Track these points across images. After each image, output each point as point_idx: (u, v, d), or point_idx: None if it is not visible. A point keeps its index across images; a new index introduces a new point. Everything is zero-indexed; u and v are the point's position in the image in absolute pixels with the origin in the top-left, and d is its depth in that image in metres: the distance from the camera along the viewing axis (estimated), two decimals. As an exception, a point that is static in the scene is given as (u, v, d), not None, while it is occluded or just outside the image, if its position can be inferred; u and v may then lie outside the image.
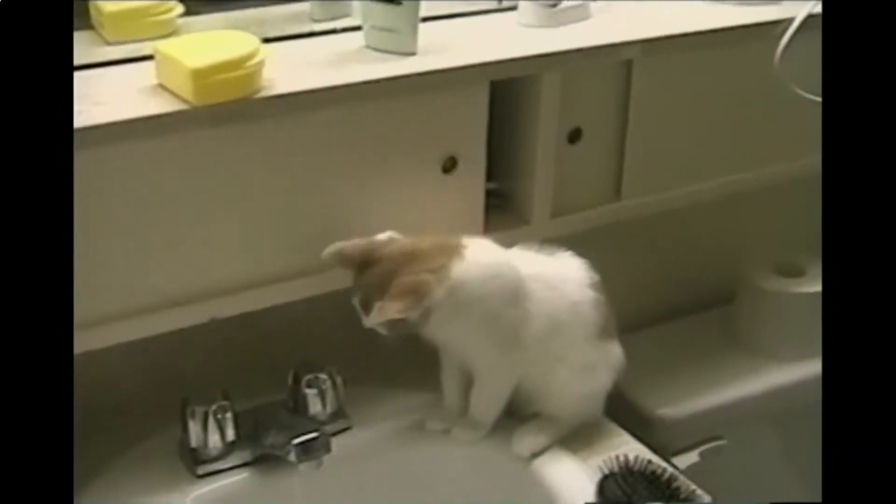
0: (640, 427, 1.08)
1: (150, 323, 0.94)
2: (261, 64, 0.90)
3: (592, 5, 1.12)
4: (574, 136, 1.10)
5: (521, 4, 1.09)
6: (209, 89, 0.87)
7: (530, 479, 0.98)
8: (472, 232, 1.04)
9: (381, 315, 0.90)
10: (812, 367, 1.25)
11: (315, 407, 1.01)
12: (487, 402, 1.01)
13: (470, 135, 1.03)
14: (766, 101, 1.16)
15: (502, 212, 1.10)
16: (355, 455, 1.00)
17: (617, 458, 0.95)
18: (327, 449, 0.93)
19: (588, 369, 1.00)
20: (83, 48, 0.97)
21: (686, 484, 0.94)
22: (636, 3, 1.18)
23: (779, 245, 1.34)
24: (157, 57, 0.91)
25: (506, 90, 1.04)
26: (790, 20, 1.10)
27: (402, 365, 1.02)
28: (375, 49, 1.01)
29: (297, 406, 1.01)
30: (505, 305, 0.95)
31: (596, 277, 1.00)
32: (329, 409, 1.01)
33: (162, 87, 0.91)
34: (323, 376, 1.01)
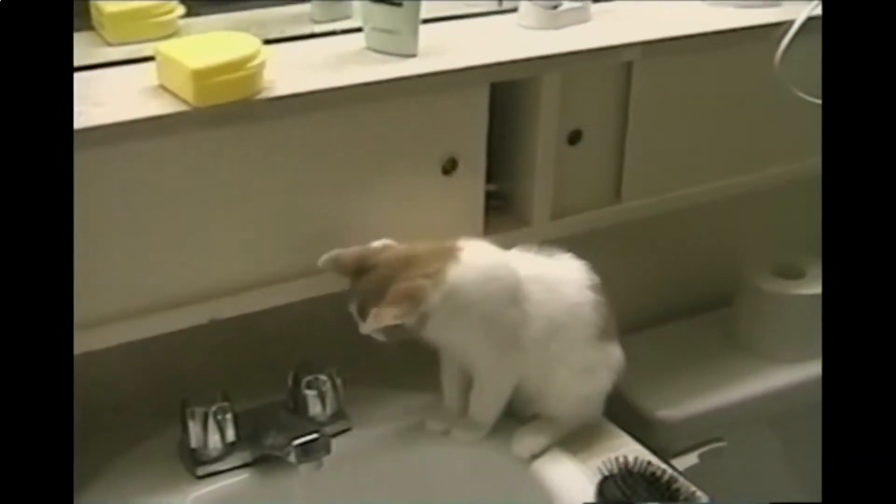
0: (640, 428, 1.08)
1: (150, 324, 0.94)
2: (262, 65, 0.90)
3: (593, 7, 1.13)
4: (574, 138, 1.10)
5: (522, 6, 1.09)
6: (210, 90, 0.87)
7: (530, 480, 0.98)
8: (472, 233, 1.05)
9: (378, 321, 0.90)
10: (812, 369, 1.25)
11: (315, 408, 1.01)
12: (487, 402, 1.01)
13: (470, 136, 1.03)
14: (767, 103, 1.16)
15: (502, 213, 1.11)
16: (355, 456, 1.00)
17: (616, 459, 0.95)
18: (327, 450, 0.93)
19: (588, 371, 1.00)
20: (84, 49, 0.97)
21: (686, 485, 0.94)
22: (636, 4, 1.18)
23: (778, 247, 1.34)
24: (158, 58, 0.91)
25: (506, 92, 1.04)
26: (790, 22, 1.10)
27: (402, 366, 1.02)
28: (376, 51, 1.01)
29: (297, 407, 1.01)
30: (503, 307, 0.95)
31: (596, 279, 1.00)
32: (329, 410, 1.01)
33: (163, 88, 0.91)
34: (323, 377, 1.01)
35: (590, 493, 0.93)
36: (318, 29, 1.06)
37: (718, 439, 1.24)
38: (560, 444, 1.00)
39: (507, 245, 1.01)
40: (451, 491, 1.01)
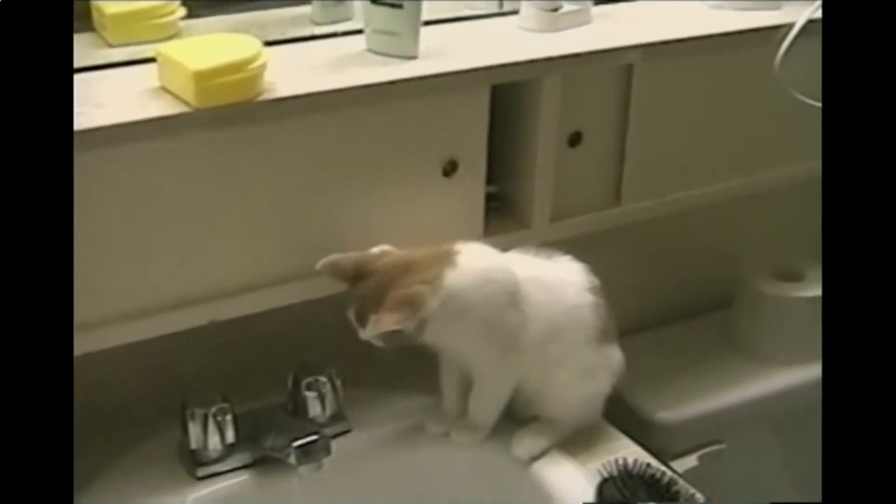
0: (639, 431, 1.08)
1: (151, 325, 0.94)
2: (263, 67, 0.90)
3: (593, 10, 1.13)
4: (574, 140, 1.10)
5: (523, 9, 1.10)
6: (211, 92, 0.87)
7: (529, 482, 0.98)
8: (472, 235, 1.05)
9: (377, 328, 0.90)
10: (811, 371, 1.25)
11: (315, 409, 1.01)
12: (486, 404, 1.01)
13: (471, 138, 1.04)
14: (767, 105, 1.16)
15: (502, 215, 1.11)
16: (355, 457, 1.00)
17: (616, 461, 0.95)
18: (327, 451, 0.93)
19: (587, 373, 1.00)
20: (85, 50, 0.97)
21: (685, 487, 0.94)
22: (637, 7, 1.18)
23: (778, 249, 1.34)
24: (160, 59, 0.91)
25: (506, 94, 1.05)
26: (790, 25, 1.11)
27: (402, 368, 1.02)
28: (377, 52, 1.01)
29: (297, 408, 1.01)
30: (501, 309, 0.95)
31: (595, 281, 1.00)
32: (329, 411, 1.01)
33: (164, 89, 0.91)
34: (322, 379, 1.01)
35: (589, 494, 0.93)
36: (318, 31, 1.06)
37: (718, 441, 1.24)
38: (559, 446, 1.00)
39: (506, 247, 1.01)
40: (451, 493, 1.01)
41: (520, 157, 1.09)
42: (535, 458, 0.99)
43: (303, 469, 0.93)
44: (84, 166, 0.80)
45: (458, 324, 0.93)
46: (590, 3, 1.12)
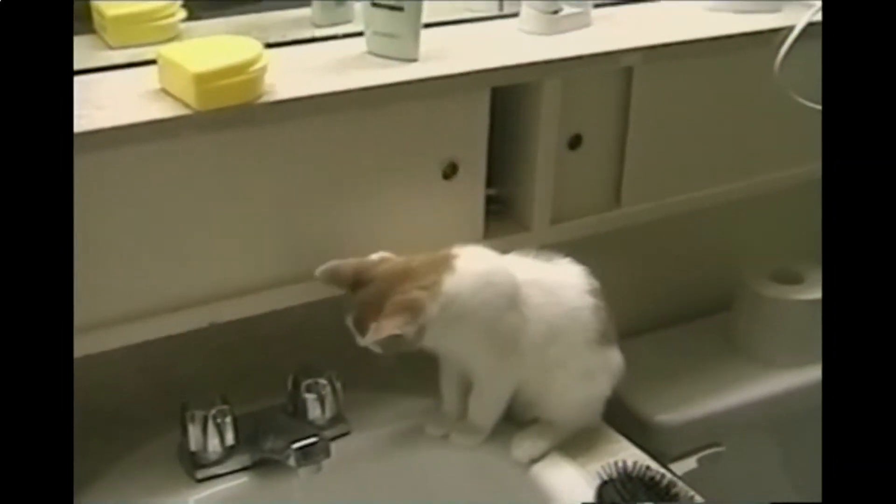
0: (638, 433, 1.08)
1: (150, 327, 0.94)
2: (263, 69, 0.91)
3: (593, 12, 1.13)
4: (574, 143, 1.10)
5: (523, 11, 1.10)
6: (212, 94, 0.87)
7: (529, 485, 0.98)
8: (472, 238, 1.05)
9: (378, 333, 0.90)
10: (810, 374, 1.25)
11: (314, 411, 1.01)
12: (486, 407, 1.01)
13: (471, 141, 1.04)
14: (766, 108, 1.17)
15: (502, 218, 1.11)
16: (354, 459, 1.00)
17: (616, 463, 0.95)
18: (327, 453, 0.93)
19: (587, 375, 1.00)
20: (85, 52, 0.97)
21: (685, 490, 0.94)
22: (637, 10, 1.18)
23: (777, 252, 1.34)
24: (160, 61, 0.92)
25: (507, 96, 1.05)
26: (790, 28, 1.11)
27: (401, 370, 1.02)
28: (377, 55, 1.01)
29: (297, 410, 1.01)
30: (501, 312, 0.95)
31: (595, 283, 1.00)
32: (328, 413, 1.01)
33: (164, 91, 0.91)
34: (322, 381, 1.01)
35: (589, 497, 0.93)
36: (319, 33, 1.06)
37: (717, 444, 1.24)
38: (559, 449, 1.00)
39: (506, 250, 1.01)
40: (450, 495, 1.01)
41: (520, 160, 1.09)
42: (534, 461, 0.99)
43: (302, 471, 0.93)
44: (84, 168, 0.80)
45: (457, 328, 0.93)
46: (590, 6, 1.12)
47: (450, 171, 1.03)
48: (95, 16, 1.01)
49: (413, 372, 1.02)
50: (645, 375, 1.17)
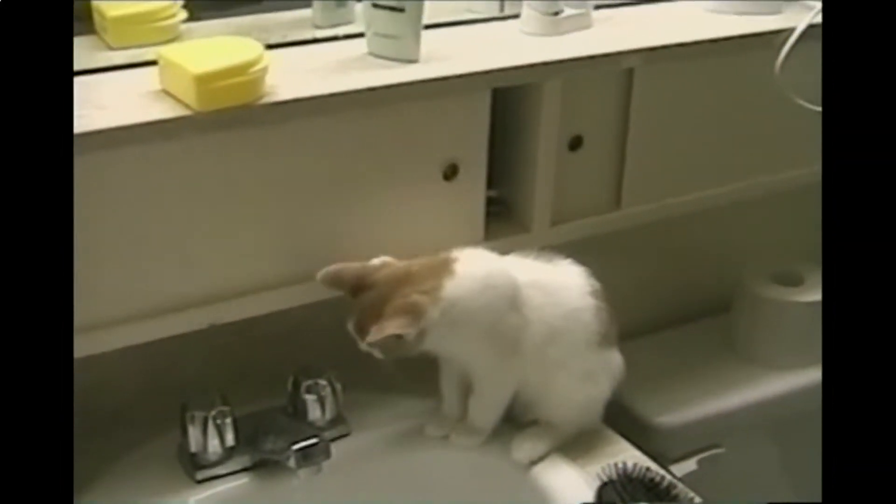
0: (638, 435, 1.08)
1: (151, 328, 0.94)
2: (264, 70, 0.91)
3: (594, 14, 1.13)
4: (575, 144, 1.10)
5: (524, 13, 1.10)
6: (212, 95, 0.87)
7: (529, 486, 0.98)
8: (472, 239, 1.05)
9: (378, 333, 0.90)
10: (810, 376, 1.25)
11: (314, 413, 1.01)
12: (486, 408, 1.01)
13: (471, 142, 1.04)
14: (767, 110, 1.16)
15: (502, 219, 1.11)
16: (354, 461, 1.00)
17: (616, 465, 0.95)
18: (327, 455, 0.93)
19: (588, 377, 1.00)
20: (86, 53, 0.97)
21: (685, 491, 0.94)
22: (638, 11, 1.18)
23: (777, 253, 1.34)
24: (161, 62, 0.92)
25: (507, 98, 1.05)
26: (791, 30, 1.11)
27: (401, 371, 1.02)
28: (378, 56, 1.01)
29: (297, 412, 1.01)
30: (502, 314, 0.96)
31: (596, 284, 1.00)
32: (328, 414, 1.01)
33: (165, 92, 0.91)
34: (322, 382, 1.01)
35: (589, 498, 0.93)
36: (319, 34, 1.06)
37: (716, 446, 1.24)
38: (559, 450, 1.00)
39: (506, 251, 1.01)
40: (450, 496, 1.01)
41: (520, 161, 1.09)
42: (534, 462, 0.99)
43: (302, 472, 0.93)
44: (85, 169, 0.80)
45: (458, 331, 0.94)
46: (591, 8, 1.13)
47: (450, 173, 1.03)
48: (96, 16, 1.01)
49: (413, 373, 1.02)
50: (645, 377, 1.17)
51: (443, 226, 1.05)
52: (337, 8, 1.08)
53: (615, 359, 1.02)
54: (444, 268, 0.94)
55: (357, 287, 0.94)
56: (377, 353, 0.93)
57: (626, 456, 0.99)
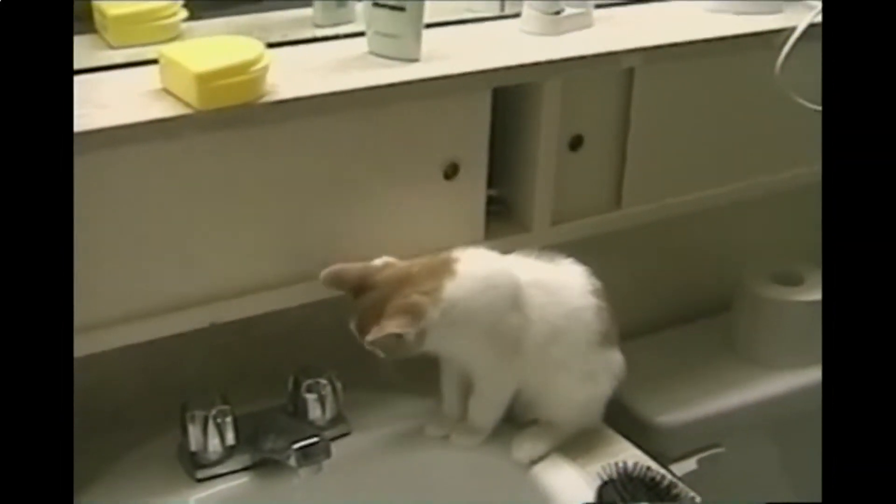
0: (638, 434, 1.08)
1: (151, 327, 0.94)
2: (265, 69, 0.91)
3: (595, 13, 1.13)
4: (575, 144, 1.10)
5: (524, 12, 1.10)
6: (213, 94, 0.87)
7: (529, 486, 0.98)
8: (473, 238, 1.05)
9: (378, 332, 0.90)
10: (809, 376, 1.25)
11: (315, 412, 1.01)
12: (486, 407, 1.01)
13: (472, 141, 1.04)
14: (767, 110, 1.16)
15: (503, 219, 1.11)
16: (355, 460, 1.00)
17: (616, 464, 0.95)
18: (327, 454, 0.93)
19: (589, 376, 1.00)
20: (87, 52, 0.97)
21: (685, 491, 0.94)
22: (638, 11, 1.18)
23: (777, 253, 1.34)
24: (162, 61, 0.92)
25: (508, 97, 1.05)
26: (791, 29, 1.11)
27: (402, 370, 1.02)
28: (379, 55, 1.01)
29: (297, 411, 1.01)
30: (503, 314, 0.96)
31: (597, 284, 1.00)
32: (328, 414, 1.01)
33: (166, 91, 0.91)
34: (323, 381, 1.01)
35: (589, 497, 0.93)
36: (320, 33, 1.06)
37: (717, 445, 1.24)
38: (559, 450, 1.00)
39: (506, 251, 1.01)
40: (451, 495, 1.01)
41: (521, 161, 1.09)
42: (535, 462, 0.99)
43: (303, 471, 0.93)
44: (85, 167, 0.80)
45: (459, 332, 0.94)
46: (591, 7, 1.12)
47: (451, 172, 1.03)
48: (97, 15, 1.01)
49: (413, 373, 1.02)
50: (645, 376, 1.17)
51: (443, 225, 1.05)
52: (337, 7, 1.08)
53: (616, 358, 1.02)
54: (445, 268, 0.94)
55: (359, 287, 0.94)
56: (380, 353, 0.93)
57: (627, 455, 0.99)
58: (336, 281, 0.95)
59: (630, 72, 1.09)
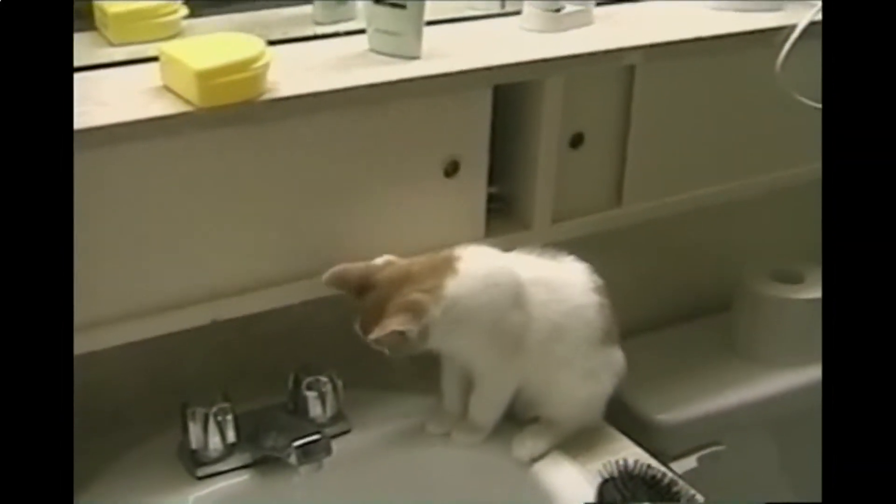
0: (639, 432, 1.08)
1: (152, 325, 0.94)
2: (266, 67, 0.90)
3: (595, 11, 1.13)
4: (576, 141, 1.10)
5: (525, 9, 1.10)
6: (214, 91, 0.87)
7: (530, 483, 0.98)
8: (473, 236, 1.05)
9: (381, 331, 0.90)
10: (809, 374, 1.25)
11: (315, 409, 1.01)
12: (487, 405, 1.01)
13: (473, 139, 1.04)
14: (768, 107, 1.16)
15: (503, 216, 1.11)
16: (355, 458, 1.00)
17: (616, 462, 0.95)
18: (328, 451, 0.94)
19: (591, 374, 1.00)
20: (87, 49, 0.97)
21: (686, 488, 0.94)
22: (639, 8, 1.18)
23: (777, 252, 1.34)
24: (162, 59, 0.91)
25: (508, 94, 1.05)
26: (792, 27, 1.11)
27: (402, 368, 1.02)
28: (379, 52, 1.01)
29: (298, 408, 1.01)
30: (505, 311, 0.96)
31: (599, 281, 1.00)
32: (329, 411, 1.01)
33: (166, 88, 0.91)
34: (323, 379, 1.01)
35: (590, 495, 0.93)
36: (321, 30, 1.06)
37: (717, 443, 1.24)
38: (560, 447, 1.00)
39: (507, 249, 1.01)
40: (451, 493, 1.01)
41: (521, 158, 1.09)
42: (535, 459, 0.99)
43: (303, 469, 0.93)
44: (86, 165, 0.80)
45: (461, 329, 0.94)
46: (592, 4, 1.12)
47: (451, 169, 1.03)
48: (97, 13, 1.01)
49: (414, 370, 1.02)
50: (645, 374, 1.17)
51: (443, 223, 1.04)
52: (338, 4, 1.08)
53: (617, 356, 1.02)
54: (447, 266, 0.94)
55: (361, 287, 0.94)
56: (385, 351, 0.93)
57: (627, 453, 0.99)
58: (338, 282, 0.95)
59: (631, 69, 1.09)
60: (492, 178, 1.07)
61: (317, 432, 0.94)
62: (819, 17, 1.09)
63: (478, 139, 1.04)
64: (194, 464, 0.96)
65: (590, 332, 0.99)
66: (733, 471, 1.25)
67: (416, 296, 0.92)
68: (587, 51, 1.04)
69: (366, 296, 0.94)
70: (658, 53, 1.08)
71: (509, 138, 1.08)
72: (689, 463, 1.21)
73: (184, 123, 0.88)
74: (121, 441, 1.00)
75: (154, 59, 0.93)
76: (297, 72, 0.96)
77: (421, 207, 1.03)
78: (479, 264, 0.96)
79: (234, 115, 0.89)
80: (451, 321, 0.92)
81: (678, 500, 0.92)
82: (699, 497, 0.94)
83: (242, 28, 1.00)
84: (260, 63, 0.90)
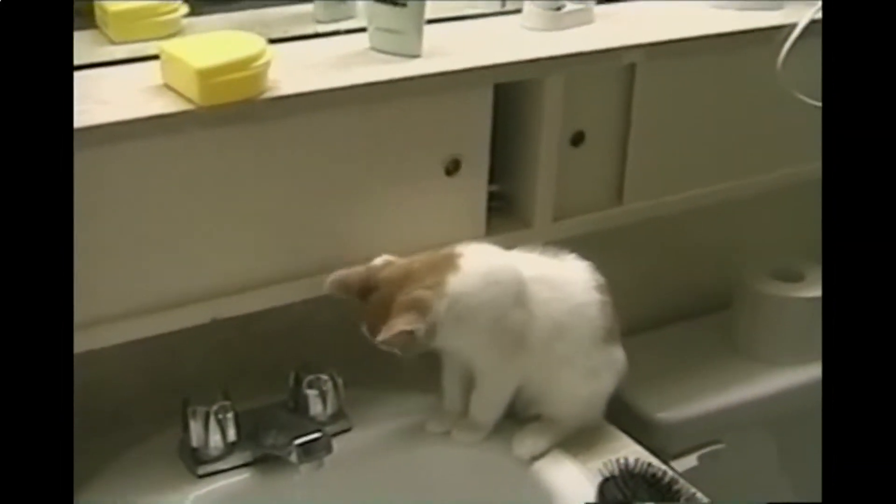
0: (639, 431, 1.08)
1: (152, 323, 0.94)
2: (267, 65, 0.91)
3: (596, 9, 1.13)
4: (577, 140, 1.10)
5: (525, 8, 1.10)
6: (215, 90, 0.87)
7: (530, 482, 0.98)
8: (474, 234, 1.05)
9: (388, 331, 0.90)
10: (810, 372, 1.25)
11: (316, 408, 1.01)
12: (488, 404, 1.01)
13: (473, 137, 1.04)
14: (769, 106, 1.16)
15: (504, 215, 1.11)
16: (356, 456, 1.00)
17: (617, 460, 0.95)
18: (328, 450, 0.94)
19: (592, 372, 1.00)
20: (88, 48, 0.97)
21: (686, 487, 0.94)
22: (640, 7, 1.18)
23: (777, 250, 1.34)
24: (163, 57, 0.91)
25: (509, 93, 1.05)
26: (793, 25, 1.11)
27: (403, 367, 1.02)
28: (380, 51, 1.01)
29: (298, 407, 1.01)
30: (507, 309, 0.95)
31: (601, 279, 1.00)
32: (329, 410, 1.01)
33: (167, 87, 0.91)
34: (324, 377, 1.01)
35: (590, 494, 0.93)
36: (321, 29, 1.06)
37: (717, 441, 1.24)
38: (560, 446, 1.00)
39: (508, 247, 1.01)
40: (452, 492, 1.01)
41: (522, 157, 1.09)
42: (536, 458, 0.99)
43: (304, 467, 0.93)
44: (86, 163, 0.80)
45: (465, 327, 0.93)
46: (592, 3, 1.12)
47: (452, 168, 1.03)
48: (98, 11, 1.01)
49: (415, 369, 1.02)
50: (646, 373, 1.17)
51: (444, 221, 1.04)
52: (338, 3, 1.08)
53: (618, 354, 1.02)
54: (449, 263, 0.94)
55: (364, 290, 0.94)
56: (395, 351, 0.92)
57: (628, 452, 0.99)
58: (341, 287, 0.95)
59: (631, 68, 1.09)
60: (492, 177, 1.07)
61: (317, 430, 0.94)
62: (819, 15, 1.09)
63: (478, 137, 1.04)
64: (195, 462, 0.97)
65: (591, 331, 0.99)
66: (734, 469, 1.25)
67: (419, 293, 0.92)
68: (588, 49, 1.05)
69: (369, 297, 0.94)
70: (659, 52, 1.08)
71: (510, 137, 1.08)
72: (690, 461, 1.21)
73: (184, 122, 0.88)
74: (121, 439, 1.00)
75: (154, 57, 0.93)
76: (297, 70, 0.96)
77: (422, 206, 1.03)
78: (480, 261, 0.96)
79: (234, 113, 0.89)
80: (453, 318, 0.92)
81: (678, 499, 0.92)
82: (700, 496, 0.94)
83: (243, 26, 1.00)
84: (261, 61, 0.90)
